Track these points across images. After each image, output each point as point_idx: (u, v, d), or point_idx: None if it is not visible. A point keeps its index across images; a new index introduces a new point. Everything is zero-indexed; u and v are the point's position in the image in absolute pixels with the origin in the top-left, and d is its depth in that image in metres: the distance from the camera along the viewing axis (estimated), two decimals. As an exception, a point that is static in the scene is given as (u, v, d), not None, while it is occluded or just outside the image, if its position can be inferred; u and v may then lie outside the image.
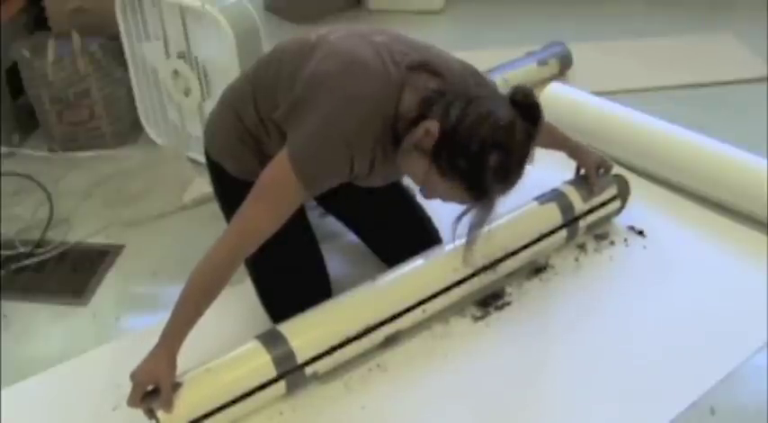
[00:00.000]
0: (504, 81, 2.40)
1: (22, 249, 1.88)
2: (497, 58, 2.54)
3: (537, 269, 1.75)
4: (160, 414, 1.28)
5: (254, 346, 1.39)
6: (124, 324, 1.69)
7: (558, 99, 2.22)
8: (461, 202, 1.33)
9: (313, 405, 1.45)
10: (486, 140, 1.24)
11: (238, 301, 1.65)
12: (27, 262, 1.86)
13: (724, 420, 1.41)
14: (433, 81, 1.31)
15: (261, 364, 1.37)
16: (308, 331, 1.43)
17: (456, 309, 1.63)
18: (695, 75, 2.64)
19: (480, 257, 1.56)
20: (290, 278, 1.56)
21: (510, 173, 1.28)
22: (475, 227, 1.35)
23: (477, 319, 1.63)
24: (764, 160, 1.90)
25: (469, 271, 1.58)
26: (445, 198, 1.34)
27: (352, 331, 1.45)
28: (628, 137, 2.09)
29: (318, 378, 1.47)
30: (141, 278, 1.82)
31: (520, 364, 1.53)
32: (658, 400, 1.44)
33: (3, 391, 1.50)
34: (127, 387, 1.28)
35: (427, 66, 1.33)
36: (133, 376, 1.28)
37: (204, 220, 1.95)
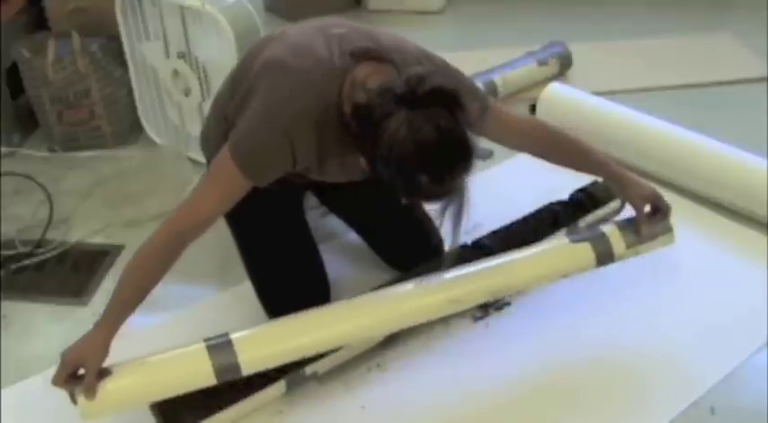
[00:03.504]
0: (504, 81, 2.40)
1: (22, 249, 1.88)
2: (497, 58, 2.53)
3: (537, 269, 1.75)
4: (80, 399, 1.21)
5: (197, 349, 1.29)
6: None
7: (557, 99, 2.23)
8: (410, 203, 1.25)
9: (313, 405, 1.45)
10: (402, 158, 1.12)
11: (237, 302, 1.66)
12: (27, 262, 1.85)
13: (724, 420, 1.41)
14: (375, 74, 1.23)
15: (200, 369, 1.27)
16: (258, 348, 1.33)
17: (456, 309, 1.63)
18: (695, 75, 2.64)
19: (497, 291, 1.48)
20: (287, 278, 1.56)
21: (442, 178, 1.15)
22: (455, 223, 1.24)
23: (477, 319, 1.63)
24: (764, 160, 1.90)
25: (467, 305, 1.47)
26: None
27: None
28: (628, 137, 2.09)
29: (318, 378, 1.47)
30: (141, 278, 1.81)
31: (519, 363, 1.53)
32: (658, 400, 1.44)
33: (3, 391, 1.50)
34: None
35: (369, 53, 1.27)
36: (62, 355, 1.22)
37: (204, 220, 1.94)
